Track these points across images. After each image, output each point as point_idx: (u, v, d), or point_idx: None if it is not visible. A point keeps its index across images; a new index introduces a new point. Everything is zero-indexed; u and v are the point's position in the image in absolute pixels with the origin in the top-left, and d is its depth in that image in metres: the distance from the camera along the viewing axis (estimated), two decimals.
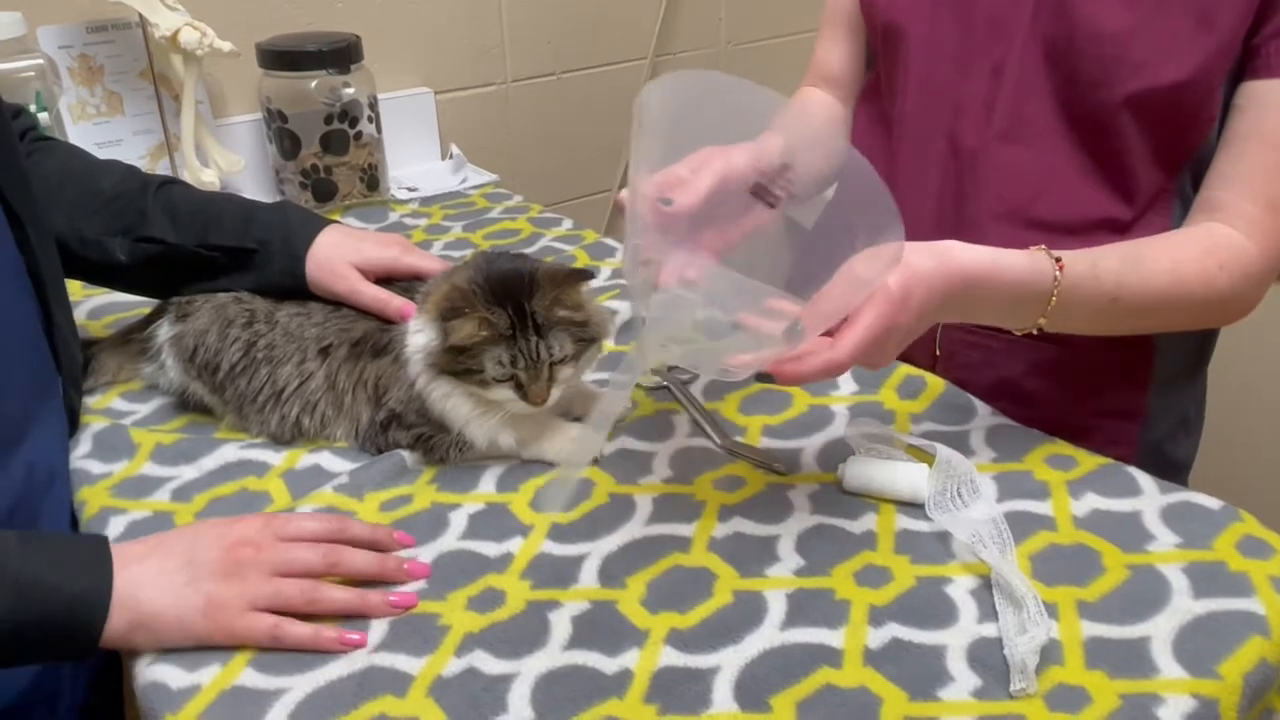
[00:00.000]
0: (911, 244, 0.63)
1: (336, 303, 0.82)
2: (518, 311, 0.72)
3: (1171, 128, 0.79)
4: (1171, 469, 0.93)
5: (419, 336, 0.76)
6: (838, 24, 1.02)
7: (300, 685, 0.58)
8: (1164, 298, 0.75)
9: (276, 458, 0.79)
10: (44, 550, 0.60)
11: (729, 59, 1.87)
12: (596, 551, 0.68)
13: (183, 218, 0.85)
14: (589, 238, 1.22)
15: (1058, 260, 0.71)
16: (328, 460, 0.79)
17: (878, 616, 0.62)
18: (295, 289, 0.84)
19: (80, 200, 0.85)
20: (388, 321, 0.80)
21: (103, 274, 0.88)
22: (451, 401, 0.75)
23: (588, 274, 0.74)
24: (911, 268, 0.64)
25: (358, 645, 0.61)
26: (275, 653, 0.61)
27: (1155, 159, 0.80)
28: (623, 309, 1.00)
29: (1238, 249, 0.76)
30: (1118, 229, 0.83)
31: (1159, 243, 0.77)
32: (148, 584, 0.60)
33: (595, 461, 0.78)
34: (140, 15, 1.18)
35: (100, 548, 0.61)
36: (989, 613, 0.62)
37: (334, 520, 0.68)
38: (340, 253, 0.83)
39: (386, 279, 0.83)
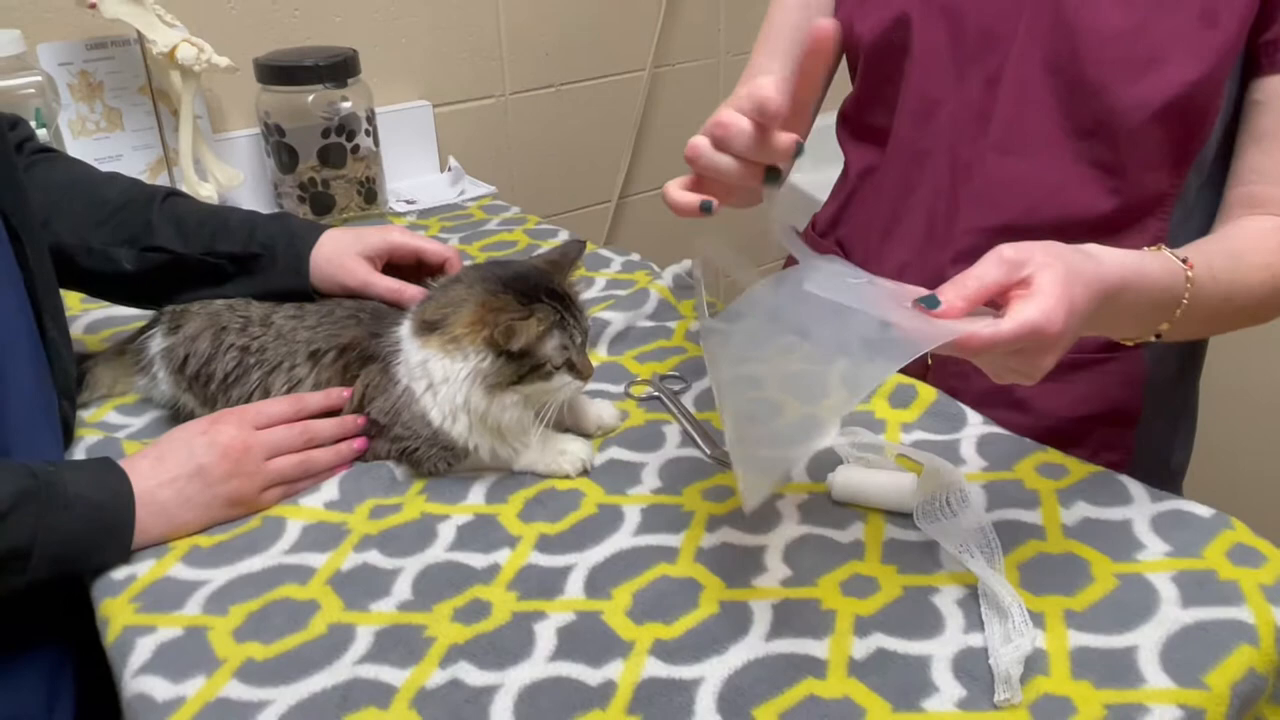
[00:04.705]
0: (1052, 244, 0.58)
1: (330, 308, 0.83)
2: (553, 297, 0.74)
3: (1179, 128, 0.78)
4: (1166, 475, 0.92)
5: (453, 366, 0.73)
6: (780, 41, 0.99)
7: (284, 697, 0.58)
8: (1264, 295, 0.73)
9: None
10: (63, 472, 0.68)
11: (728, 69, 1.87)
12: (584, 562, 0.68)
13: (188, 228, 0.86)
14: (586, 248, 1.22)
15: (1184, 260, 0.66)
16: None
17: (863, 626, 0.62)
18: (299, 292, 0.85)
19: (86, 211, 0.86)
20: (402, 309, 0.81)
21: (108, 284, 0.89)
22: (508, 413, 0.74)
23: (583, 244, 0.83)
24: (1068, 262, 0.57)
25: (363, 449, 0.79)
26: (260, 664, 0.61)
27: (1162, 162, 0.80)
28: (615, 319, 1.00)
29: None
30: (1111, 232, 0.82)
31: (1241, 239, 0.75)
32: (171, 500, 0.70)
33: (586, 472, 0.78)
34: (139, 32, 1.19)
35: (108, 462, 0.71)
36: (976, 623, 0.62)
37: (292, 400, 0.78)
38: (345, 247, 0.86)
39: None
